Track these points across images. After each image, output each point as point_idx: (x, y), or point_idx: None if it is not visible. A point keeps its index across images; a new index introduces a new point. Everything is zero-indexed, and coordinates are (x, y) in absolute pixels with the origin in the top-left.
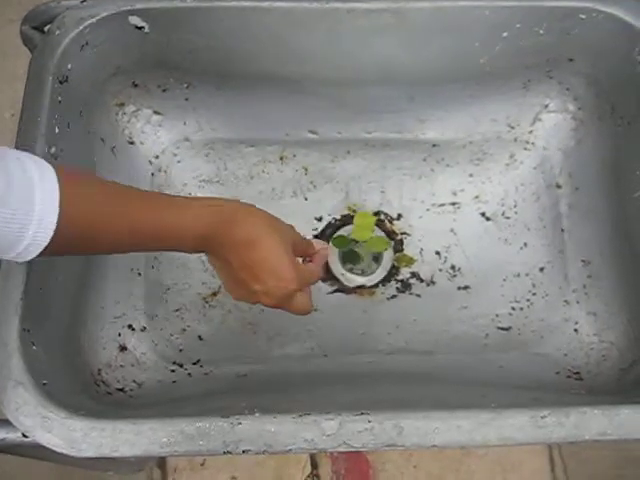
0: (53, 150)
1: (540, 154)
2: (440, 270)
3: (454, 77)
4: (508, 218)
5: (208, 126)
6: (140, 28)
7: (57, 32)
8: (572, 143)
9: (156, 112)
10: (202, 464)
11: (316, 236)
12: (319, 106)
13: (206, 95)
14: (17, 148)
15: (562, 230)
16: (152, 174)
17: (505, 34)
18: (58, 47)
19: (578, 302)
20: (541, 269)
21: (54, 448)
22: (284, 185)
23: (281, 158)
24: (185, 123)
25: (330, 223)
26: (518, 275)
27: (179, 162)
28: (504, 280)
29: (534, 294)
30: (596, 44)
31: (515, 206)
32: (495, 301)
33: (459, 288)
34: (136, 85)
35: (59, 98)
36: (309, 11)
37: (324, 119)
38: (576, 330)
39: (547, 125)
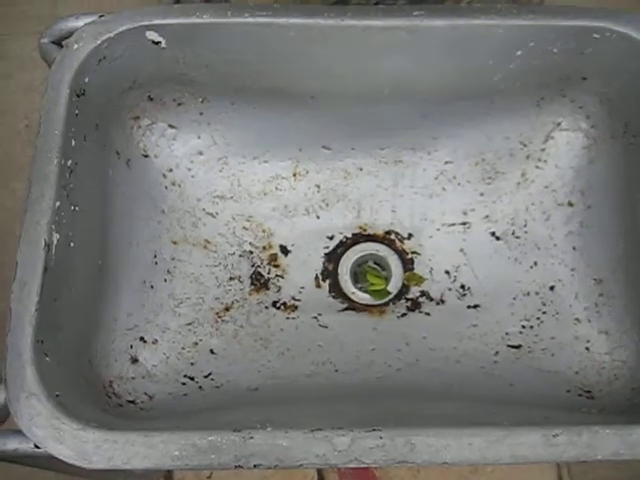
0: (69, 163)
1: (552, 172)
2: (450, 289)
3: (467, 94)
4: (518, 237)
5: (222, 141)
6: (157, 43)
7: (75, 46)
8: (584, 161)
9: (171, 126)
10: (209, 477)
11: (327, 254)
12: (333, 122)
13: (221, 110)
14: (34, 161)
15: (574, 248)
16: (166, 187)
17: (519, 52)
18: (76, 61)
19: (590, 320)
20: (551, 288)
21: (66, 459)
22: (297, 203)
23: (294, 174)
24: (199, 137)
25: (341, 242)
26: (528, 294)
27: (193, 177)
28: (514, 299)
29: (544, 312)
30: (610, 63)
31: (525, 225)
32: (505, 319)
33: (469, 307)
34: (151, 99)
35: (76, 111)
36: (325, 28)
37: (338, 135)
38: (587, 349)
39: (559, 143)
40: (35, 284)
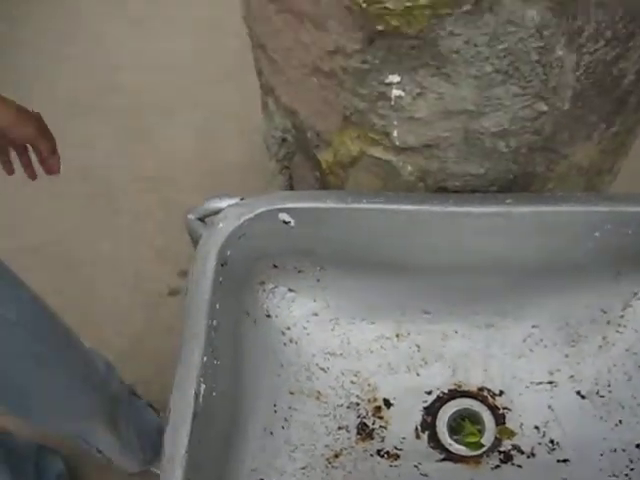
0: (214, 323)
1: (632, 336)
2: (539, 444)
3: (551, 269)
4: (602, 397)
5: (335, 304)
6: (287, 222)
7: (220, 225)
8: None
9: (290, 290)
10: None
11: (426, 408)
12: (433, 290)
13: (336, 277)
14: (186, 322)
15: None
16: (284, 344)
17: (597, 234)
18: (221, 237)
19: None
20: (637, 445)
21: None
22: (399, 361)
23: (397, 335)
24: (315, 300)
25: (438, 397)
26: (615, 450)
27: (308, 334)
28: (601, 455)
29: (632, 469)
30: None
31: (609, 385)
32: (594, 474)
33: (558, 461)
34: (276, 266)
35: (220, 279)
36: (431, 213)
37: (437, 301)
38: None
39: (638, 310)
40: (185, 429)
